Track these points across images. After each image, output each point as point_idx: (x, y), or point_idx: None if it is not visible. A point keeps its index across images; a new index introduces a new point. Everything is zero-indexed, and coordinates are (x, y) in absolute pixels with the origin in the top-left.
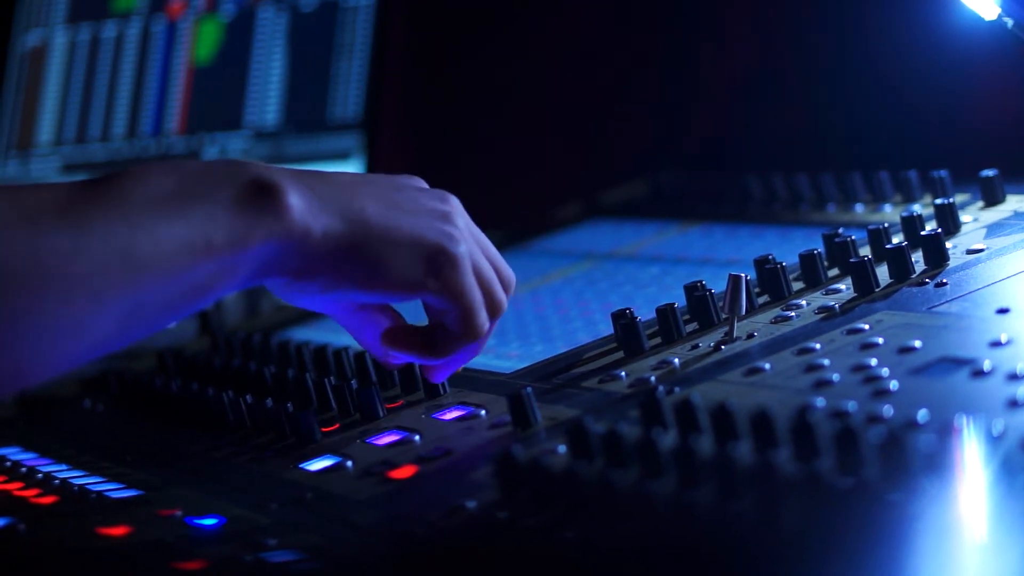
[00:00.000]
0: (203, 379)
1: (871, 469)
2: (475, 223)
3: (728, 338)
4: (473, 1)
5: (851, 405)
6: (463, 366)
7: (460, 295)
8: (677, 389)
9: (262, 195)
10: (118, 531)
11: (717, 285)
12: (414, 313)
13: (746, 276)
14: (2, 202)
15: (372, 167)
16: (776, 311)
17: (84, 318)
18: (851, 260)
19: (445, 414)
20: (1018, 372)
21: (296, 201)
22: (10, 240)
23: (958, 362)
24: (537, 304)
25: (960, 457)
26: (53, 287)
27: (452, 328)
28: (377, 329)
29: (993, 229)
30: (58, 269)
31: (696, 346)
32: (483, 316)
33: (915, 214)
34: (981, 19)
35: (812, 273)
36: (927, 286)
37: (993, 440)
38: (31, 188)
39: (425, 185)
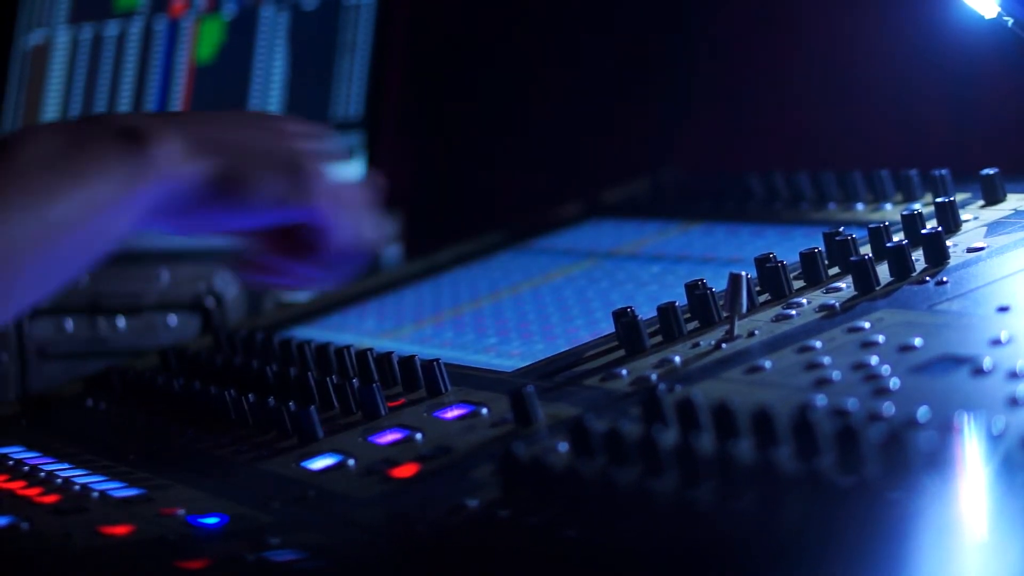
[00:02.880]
0: (205, 377)
1: (872, 467)
2: (475, 223)
3: (729, 336)
4: (474, 1)
5: (852, 403)
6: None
7: (327, 204)
8: (678, 387)
9: (134, 143)
10: (120, 530)
11: (718, 284)
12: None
13: (747, 274)
14: None
15: (373, 165)
16: (777, 309)
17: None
18: (852, 258)
19: (446, 412)
20: (1018, 370)
21: (166, 146)
22: None
23: (959, 360)
24: (538, 302)
25: (960, 455)
26: None
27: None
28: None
29: (993, 227)
30: None
31: (697, 344)
32: (360, 221)
33: (916, 212)
34: (981, 17)
35: (813, 271)
36: (927, 284)
37: (993, 438)
38: None
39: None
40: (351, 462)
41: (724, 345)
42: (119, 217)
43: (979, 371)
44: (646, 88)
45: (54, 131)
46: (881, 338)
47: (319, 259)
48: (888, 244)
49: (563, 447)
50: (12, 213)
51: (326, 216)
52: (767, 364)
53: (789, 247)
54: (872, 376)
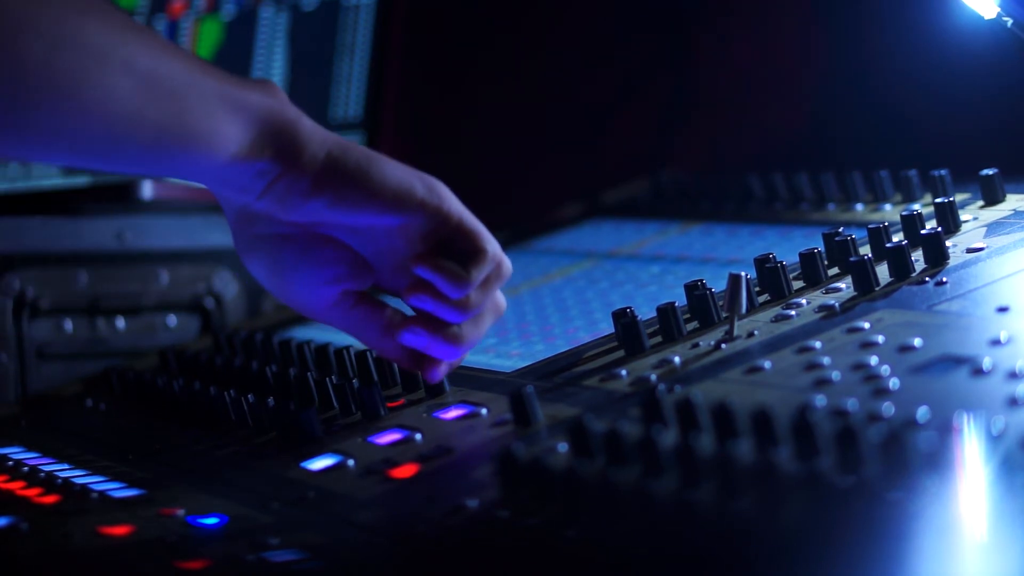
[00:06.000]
0: (205, 378)
1: (871, 467)
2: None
3: (728, 337)
4: (474, 1)
5: (851, 404)
6: (461, 363)
7: (459, 209)
8: (678, 388)
9: (257, 79)
10: (120, 530)
11: (718, 284)
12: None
13: (746, 275)
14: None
15: None
16: (776, 310)
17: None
18: (851, 259)
19: (446, 413)
20: (1018, 370)
21: (287, 99)
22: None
23: (958, 360)
24: (538, 303)
25: (960, 455)
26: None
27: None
28: (378, 320)
29: (993, 228)
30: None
31: (696, 345)
32: (492, 239)
33: (915, 213)
34: (980, 18)
35: (812, 272)
36: (927, 285)
37: (993, 438)
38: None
39: None
40: (351, 462)
41: (724, 345)
42: (220, 127)
43: (979, 371)
44: (646, 89)
45: None
46: (881, 338)
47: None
48: (888, 244)
49: (563, 447)
50: (122, 36)
51: (455, 229)
52: (767, 365)
53: (789, 247)
54: (872, 376)
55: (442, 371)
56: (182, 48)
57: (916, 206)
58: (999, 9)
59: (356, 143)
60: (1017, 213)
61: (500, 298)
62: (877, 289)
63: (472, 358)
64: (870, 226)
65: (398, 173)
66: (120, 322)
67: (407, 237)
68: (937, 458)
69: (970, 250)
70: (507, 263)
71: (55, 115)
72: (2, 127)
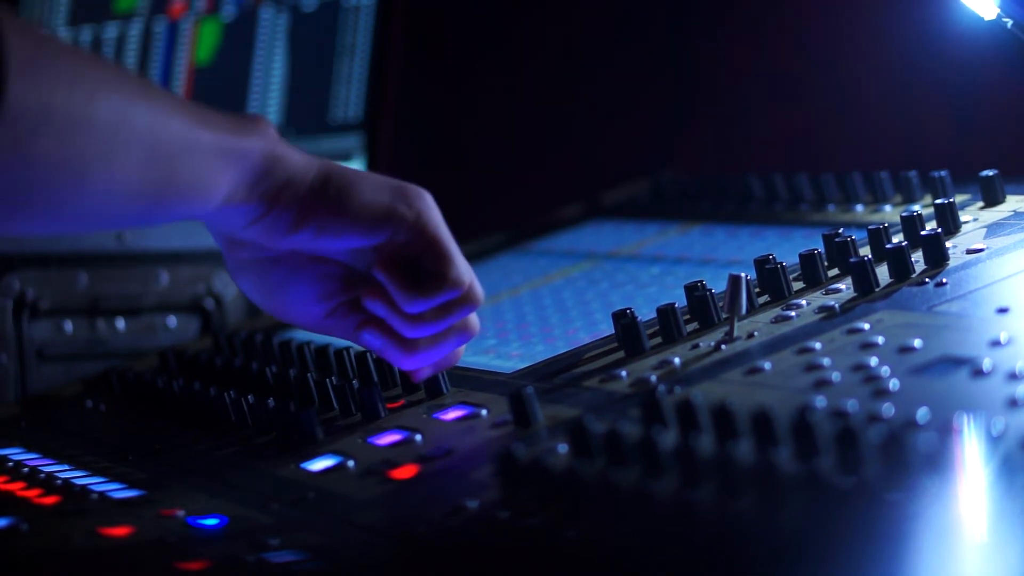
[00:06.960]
0: (205, 379)
1: (871, 468)
2: (475, 224)
3: (728, 338)
4: (474, 1)
5: (851, 404)
6: (451, 367)
7: (435, 226)
8: (678, 388)
9: (249, 118)
10: (120, 531)
11: (718, 285)
12: None
13: (746, 276)
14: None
15: (373, 167)
16: (776, 311)
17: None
18: (851, 260)
19: (446, 414)
20: (1018, 371)
21: (277, 133)
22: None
23: (958, 361)
24: (538, 304)
25: (960, 456)
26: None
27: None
28: (354, 320)
29: (993, 229)
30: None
31: (696, 346)
32: (462, 261)
33: (915, 214)
34: (980, 19)
35: (812, 273)
36: (927, 286)
37: (993, 439)
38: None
39: None
40: (351, 463)
41: (724, 346)
42: (214, 163)
43: (978, 372)
44: (646, 90)
45: None
46: (881, 339)
47: (416, 283)
48: (888, 245)
49: (563, 448)
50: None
51: (427, 245)
52: (767, 365)
53: (789, 248)
54: (872, 377)
55: (425, 372)
56: (182, 100)
57: (916, 207)
58: (999, 10)
59: (338, 165)
60: (1017, 214)
61: (472, 322)
62: (877, 290)
63: (472, 359)
64: (870, 227)
65: (376, 195)
66: (120, 323)
67: (385, 247)
68: (937, 459)
69: (970, 251)
70: (478, 291)
71: (60, 198)
72: (4, 217)
